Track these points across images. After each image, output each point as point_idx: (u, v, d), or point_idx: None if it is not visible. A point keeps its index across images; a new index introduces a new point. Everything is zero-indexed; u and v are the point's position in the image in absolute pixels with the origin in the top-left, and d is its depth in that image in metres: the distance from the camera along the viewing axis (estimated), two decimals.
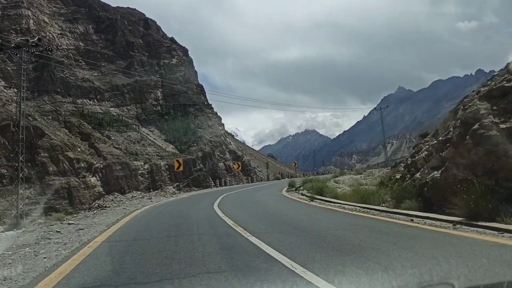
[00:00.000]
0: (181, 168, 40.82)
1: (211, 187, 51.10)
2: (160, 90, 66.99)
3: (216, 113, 73.05)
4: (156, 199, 27.78)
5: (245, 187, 42.99)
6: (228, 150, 64.41)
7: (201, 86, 76.59)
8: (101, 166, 41.16)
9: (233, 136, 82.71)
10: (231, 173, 59.94)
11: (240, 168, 55.43)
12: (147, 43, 73.50)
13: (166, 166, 50.40)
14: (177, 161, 40.15)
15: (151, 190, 43.75)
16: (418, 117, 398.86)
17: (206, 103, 72.46)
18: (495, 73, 11.32)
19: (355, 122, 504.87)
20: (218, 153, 60.16)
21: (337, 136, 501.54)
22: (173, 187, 46.47)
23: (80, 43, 63.77)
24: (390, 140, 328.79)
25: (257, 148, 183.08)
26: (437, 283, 3.76)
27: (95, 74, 61.21)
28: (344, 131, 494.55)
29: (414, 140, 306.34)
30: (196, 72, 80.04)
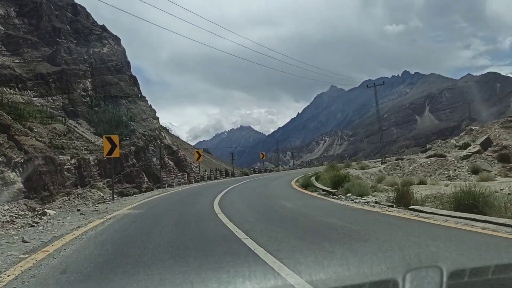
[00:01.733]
0: (116, 153, 26.94)
1: (165, 187, 48.49)
2: (89, 80, 62.92)
3: (150, 106, 70.02)
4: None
5: (211, 188, 27.25)
6: (163, 144, 61.77)
7: (135, 78, 73.10)
8: (21, 160, 37.47)
9: (167, 130, 79.85)
10: (166, 168, 57.53)
11: (201, 159, 51.62)
12: (75, 30, 68.85)
13: (96, 161, 47.18)
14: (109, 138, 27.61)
15: (79, 186, 40.63)
16: (349, 115, 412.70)
17: (139, 95, 69.19)
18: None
19: (289, 119, 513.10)
20: (152, 148, 57.48)
21: (271, 133, 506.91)
22: (103, 183, 43.53)
23: (0, 27, 58.37)
24: (323, 137, 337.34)
25: (192, 143, 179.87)
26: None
27: (17, 61, 56.23)
28: (279, 128, 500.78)
29: (345, 137, 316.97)
30: (129, 62, 76.32)
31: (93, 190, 31.20)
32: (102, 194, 25.65)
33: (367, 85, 45.69)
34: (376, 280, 3.41)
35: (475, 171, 21.55)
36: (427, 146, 73.94)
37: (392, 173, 25.87)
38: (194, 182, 39.53)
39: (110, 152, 21.71)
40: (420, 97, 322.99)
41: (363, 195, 13.78)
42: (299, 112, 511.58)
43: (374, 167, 34.24)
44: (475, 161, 23.88)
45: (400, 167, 28.31)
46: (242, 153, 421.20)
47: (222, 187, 25.32)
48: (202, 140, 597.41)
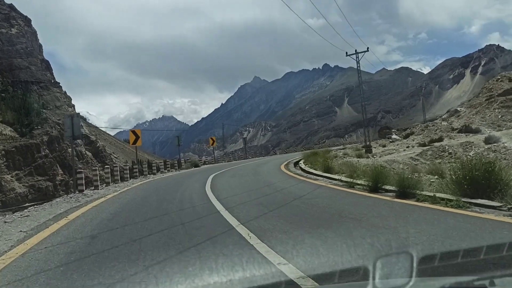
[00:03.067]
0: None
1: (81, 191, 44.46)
2: None
3: (65, 92, 65.25)
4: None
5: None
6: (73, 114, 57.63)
7: (47, 62, 67.76)
8: None
9: (85, 119, 75.13)
10: (84, 159, 53.89)
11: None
12: None
13: (3, 152, 42.83)
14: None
15: None
16: (273, 107, 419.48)
17: (53, 81, 64.19)
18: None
19: (213, 110, 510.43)
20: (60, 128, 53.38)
21: (195, 123, 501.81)
22: (11, 176, 39.65)
23: None
24: (247, 128, 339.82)
25: (111, 133, 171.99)
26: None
27: None
28: (203, 118, 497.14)
29: (269, 128, 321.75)
30: (41, 45, 70.60)
31: None
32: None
33: (346, 52, 42.95)
34: (348, 268, 3.62)
35: None
36: (393, 131, 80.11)
37: (439, 161, 20.93)
38: (130, 179, 22.28)
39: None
40: (340, 89, 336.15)
41: None
42: (223, 103, 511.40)
43: (387, 153, 28.68)
44: None
45: (450, 152, 24.00)
46: (165, 143, 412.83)
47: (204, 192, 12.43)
48: (122, 130, 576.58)
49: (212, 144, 48.72)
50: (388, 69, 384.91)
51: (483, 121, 37.99)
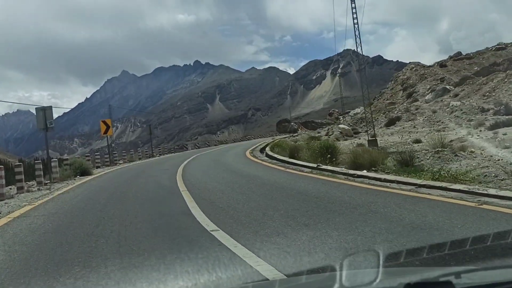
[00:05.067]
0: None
1: None
2: None
3: None
4: None
5: None
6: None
7: None
8: None
9: None
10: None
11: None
12: None
13: None
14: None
15: None
16: (142, 102, 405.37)
17: None
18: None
19: (76, 104, 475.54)
20: None
21: (56, 118, 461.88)
22: None
23: None
24: (115, 124, 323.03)
25: None
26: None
27: None
28: (65, 113, 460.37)
29: (138, 124, 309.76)
30: None
31: None
32: None
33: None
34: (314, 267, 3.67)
35: None
36: (292, 124, 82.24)
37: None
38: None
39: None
40: (211, 86, 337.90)
41: None
42: (88, 97, 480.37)
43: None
44: None
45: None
46: (21, 141, 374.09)
47: None
48: None
49: (106, 133, 32.19)
50: (257, 68, 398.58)
51: None
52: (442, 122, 33.26)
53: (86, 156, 27.67)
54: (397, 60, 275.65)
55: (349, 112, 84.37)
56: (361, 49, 30.93)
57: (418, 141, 21.73)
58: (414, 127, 34.74)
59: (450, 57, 55.39)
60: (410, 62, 71.50)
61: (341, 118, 79.58)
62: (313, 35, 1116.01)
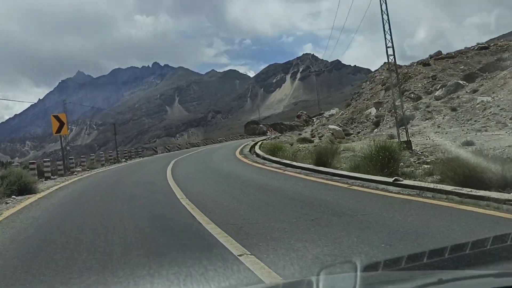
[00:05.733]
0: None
1: None
2: None
3: None
4: None
5: None
6: None
7: None
8: None
9: None
10: None
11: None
12: None
13: None
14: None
15: None
16: (98, 103, 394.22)
17: None
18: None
19: (29, 105, 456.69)
20: None
21: (6, 120, 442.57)
22: None
23: None
24: (69, 126, 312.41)
25: None
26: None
27: None
28: (16, 115, 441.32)
29: (94, 126, 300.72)
30: None
31: None
32: None
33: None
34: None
35: None
36: (261, 126, 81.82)
37: None
38: None
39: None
40: (170, 88, 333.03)
41: None
42: (41, 98, 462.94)
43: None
44: None
45: None
46: None
47: None
48: None
49: (60, 131, 24.41)
50: (217, 71, 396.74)
51: None
52: (475, 121, 28.82)
53: (31, 163, 19.39)
54: (355, 65, 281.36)
55: (323, 113, 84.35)
56: (394, 58, 23.81)
57: (469, 143, 17.86)
58: (439, 126, 30.62)
59: (431, 57, 54.98)
60: (384, 63, 71.91)
61: (315, 120, 79.08)
62: (273, 39, 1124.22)
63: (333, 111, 73.53)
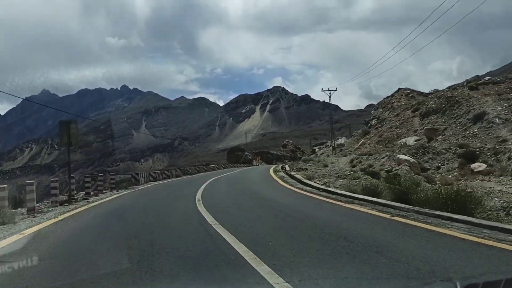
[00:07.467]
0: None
1: None
2: None
3: None
4: None
5: None
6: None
7: None
8: None
9: None
10: None
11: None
12: None
13: None
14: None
15: None
16: None
17: None
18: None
19: None
20: None
21: None
22: None
23: None
24: (29, 145, 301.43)
25: None
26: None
27: None
28: None
29: (56, 146, 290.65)
30: None
31: None
32: None
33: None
34: None
35: None
36: (246, 153, 76.58)
37: None
38: None
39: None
40: (138, 112, 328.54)
41: None
42: (2, 114, 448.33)
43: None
44: None
45: None
46: None
47: None
48: None
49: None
50: (187, 97, 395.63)
51: None
52: None
53: None
54: (324, 101, 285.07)
55: (326, 142, 79.91)
56: None
57: None
58: None
59: (468, 82, 46.85)
60: (399, 89, 65.86)
61: (317, 149, 71.54)
62: (244, 70, 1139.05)
63: (341, 140, 69.98)
